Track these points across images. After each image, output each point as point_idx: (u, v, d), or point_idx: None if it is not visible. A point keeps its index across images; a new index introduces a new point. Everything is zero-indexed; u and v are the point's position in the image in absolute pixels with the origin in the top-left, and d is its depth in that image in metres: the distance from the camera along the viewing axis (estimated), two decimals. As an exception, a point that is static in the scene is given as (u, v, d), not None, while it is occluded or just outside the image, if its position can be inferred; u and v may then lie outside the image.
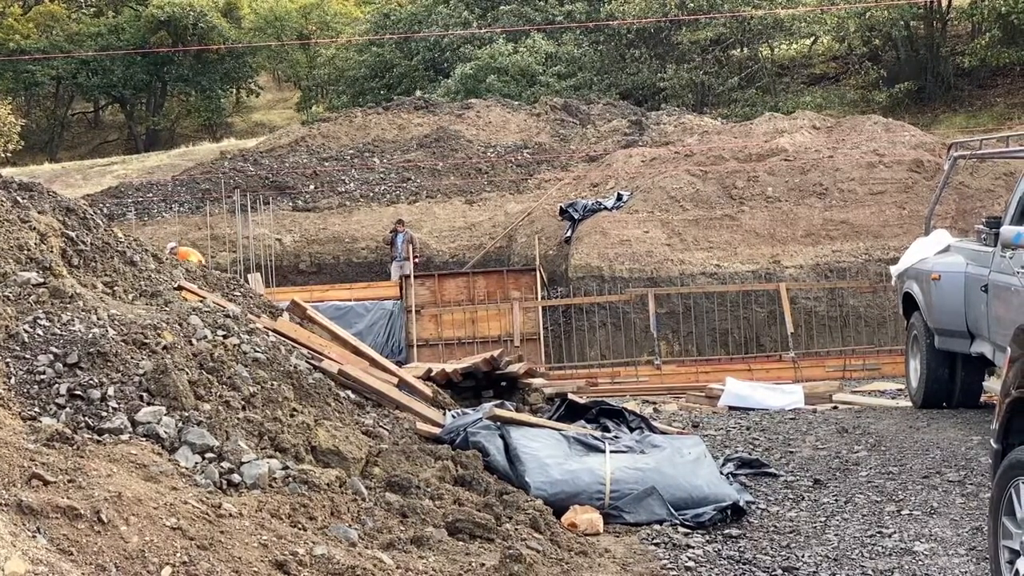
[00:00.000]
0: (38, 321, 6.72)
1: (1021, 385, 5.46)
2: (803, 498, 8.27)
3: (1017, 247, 9.59)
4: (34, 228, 7.83)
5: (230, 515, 5.52)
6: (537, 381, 11.48)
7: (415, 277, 22.45)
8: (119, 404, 6.32)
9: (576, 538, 7.01)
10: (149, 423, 6.24)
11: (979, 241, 11.16)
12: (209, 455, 6.24)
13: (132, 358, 6.68)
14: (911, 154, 23.51)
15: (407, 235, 24.61)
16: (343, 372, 8.58)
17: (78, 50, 52.45)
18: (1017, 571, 5.34)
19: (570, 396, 10.25)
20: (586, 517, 7.35)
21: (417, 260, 24.21)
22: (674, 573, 6.57)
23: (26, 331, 6.60)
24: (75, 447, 5.67)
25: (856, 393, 15.09)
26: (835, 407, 13.53)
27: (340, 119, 33.28)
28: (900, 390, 14.34)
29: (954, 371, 11.50)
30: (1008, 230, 9.69)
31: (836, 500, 8.15)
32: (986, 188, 22.22)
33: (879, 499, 8.10)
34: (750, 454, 9.63)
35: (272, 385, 7.35)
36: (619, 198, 23.75)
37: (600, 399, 10.88)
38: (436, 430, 8.54)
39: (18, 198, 8.30)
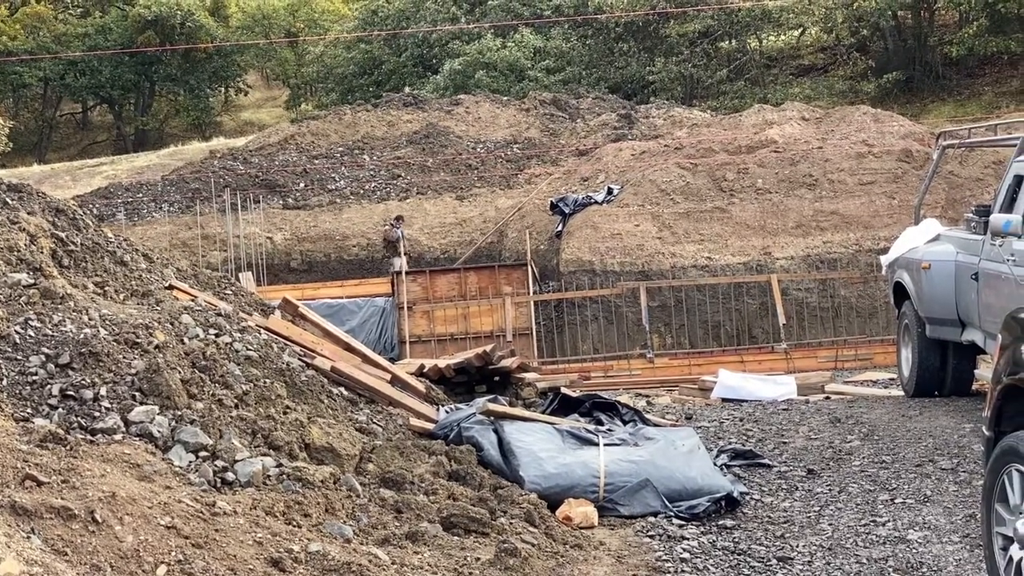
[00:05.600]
0: (29, 322, 6.71)
1: (1012, 372, 5.47)
2: (797, 488, 8.29)
3: (1007, 235, 9.62)
4: (24, 229, 7.81)
5: (224, 513, 5.52)
6: (530, 376, 11.49)
7: (406, 273, 22.44)
8: (112, 404, 6.31)
9: (571, 531, 7.03)
10: (142, 422, 6.24)
11: (969, 229, 11.19)
12: (203, 454, 6.23)
13: (124, 358, 6.67)
14: (900, 144, 23.54)
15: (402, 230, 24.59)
16: (336, 369, 8.59)
17: (65, 51, 52.32)
18: (1011, 557, 5.36)
19: (563, 390, 10.25)
20: (581, 510, 7.36)
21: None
22: (669, 565, 6.58)
23: (17, 332, 6.59)
24: (68, 447, 5.66)
25: (848, 383, 15.10)
26: (827, 397, 13.54)
27: (329, 117, 33.24)
28: (892, 379, 14.36)
29: (945, 359, 11.52)
30: (997, 218, 9.72)
31: (830, 490, 8.17)
32: (975, 177, 22.25)
33: (872, 488, 8.12)
34: (743, 445, 9.64)
35: (265, 383, 7.35)
36: (609, 192, 23.75)
37: (593, 393, 10.88)
38: (430, 426, 8.55)
39: (7, 199, 8.28)
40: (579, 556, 6.58)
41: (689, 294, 21.18)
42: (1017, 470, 5.32)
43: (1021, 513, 5.30)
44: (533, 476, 7.65)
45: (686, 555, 6.74)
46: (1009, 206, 10.11)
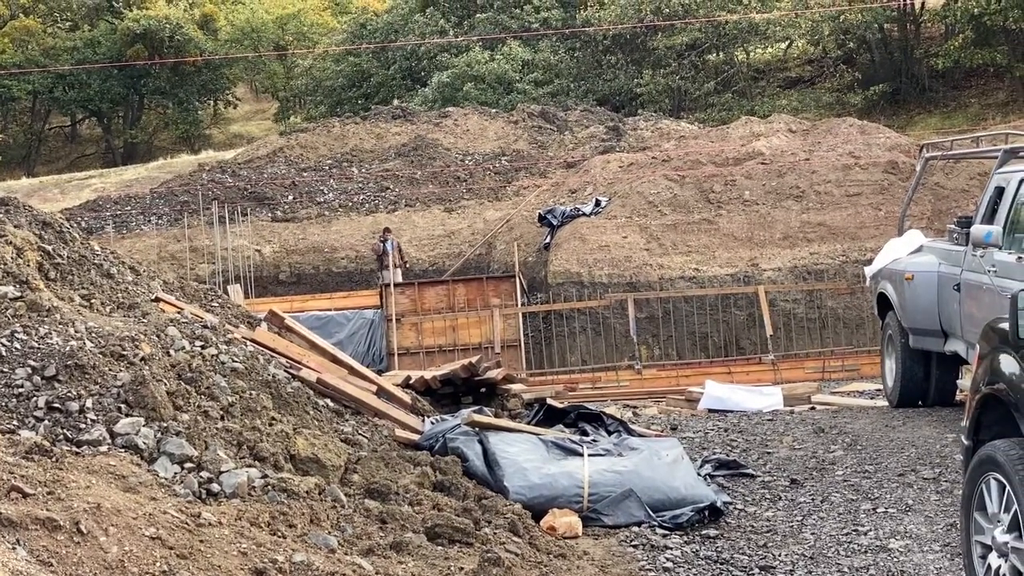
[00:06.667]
0: (15, 335, 6.73)
1: (991, 382, 5.53)
2: (780, 498, 8.34)
3: (988, 246, 9.70)
4: (10, 242, 7.84)
5: (209, 524, 5.55)
6: (516, 387, 11.53)
7: (395, 285, 22.47)
8: (97, 416, 6.34)
9: (555, 541, 7.06)
10: (127, 434, 6.26)
11: (951, 241, 11.26)
12: (188, 465, 6.26)
13: (110, 370, 6.70)
14: (886, 156, 23.65)
15: (395, 242, 24.50)
16: (321, 380, 8.62)
17: (54, 64, 52.26)
18: (989, 566, 5.41)
19: (548, 401, 10.29)
20: (565, 520, 7.39)
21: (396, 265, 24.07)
22: (652, 574, 6.63)
23: (3, 345, 6.62)
24: (54, 459, 5.69)
25: (835, 394, 15.16)
26: (812, 408, 13.60)
27: (318, 129, 33.26)
28: (879, 390, 14.42)
29: (929, 370, 11.58)
30: (979, 229, 9.80)
31: (812, 499, 8.22)
32: (961, 188, 22.37)
33: (855, 498, 8.17)
34: (728, 455, 9.69)
35: (250, 395, 7.37)
36: (597, 204, 23.81)
37: (579, 404, 10.92)
38: (415, 437, 8.58)
39: (-6, 213, 8.31)
40: (563, 566, 6.62)
41: (677, 305, 21.24)
42: (995, 479, 5.37)
43: (999, 522, 5.36)
44: (518, 486, 7.69)
45: (669, 564, 6.78)
46: (990, 217, 10.19)
